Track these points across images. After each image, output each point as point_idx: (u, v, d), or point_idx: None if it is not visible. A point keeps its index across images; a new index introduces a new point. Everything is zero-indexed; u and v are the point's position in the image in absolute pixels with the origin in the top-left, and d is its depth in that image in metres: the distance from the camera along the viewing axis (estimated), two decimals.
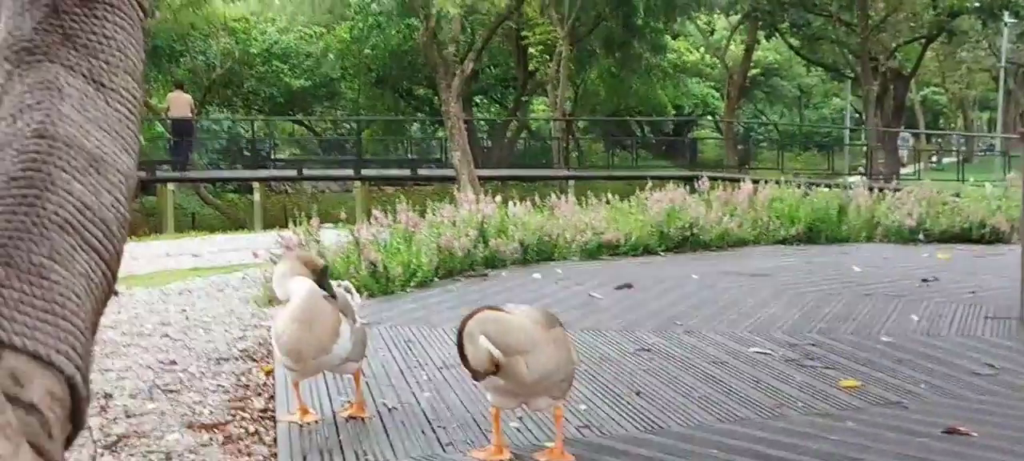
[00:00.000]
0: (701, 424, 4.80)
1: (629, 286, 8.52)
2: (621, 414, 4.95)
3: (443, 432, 4.69)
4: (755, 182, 12.45)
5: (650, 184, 11.89)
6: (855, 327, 6.99)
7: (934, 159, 44.05)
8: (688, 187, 12.38)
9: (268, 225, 26.49)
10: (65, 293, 1.14)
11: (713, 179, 13.19)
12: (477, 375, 4.04)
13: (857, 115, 53.72)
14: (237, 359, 6.60)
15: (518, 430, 4.69)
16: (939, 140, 53.64)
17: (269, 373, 6.11)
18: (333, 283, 5.23)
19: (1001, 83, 38.89)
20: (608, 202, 11.56)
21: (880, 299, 7.97)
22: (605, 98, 43.03)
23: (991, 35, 40.31)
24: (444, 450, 4.44)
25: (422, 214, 10.11)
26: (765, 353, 6.21)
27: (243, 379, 6.09)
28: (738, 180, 18.30)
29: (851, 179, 33.38)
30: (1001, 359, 6.05)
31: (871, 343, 6.49)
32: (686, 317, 7.34)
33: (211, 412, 5.36)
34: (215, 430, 5.08)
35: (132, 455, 4.69)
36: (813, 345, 6.43)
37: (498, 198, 10.67)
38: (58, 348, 1.09)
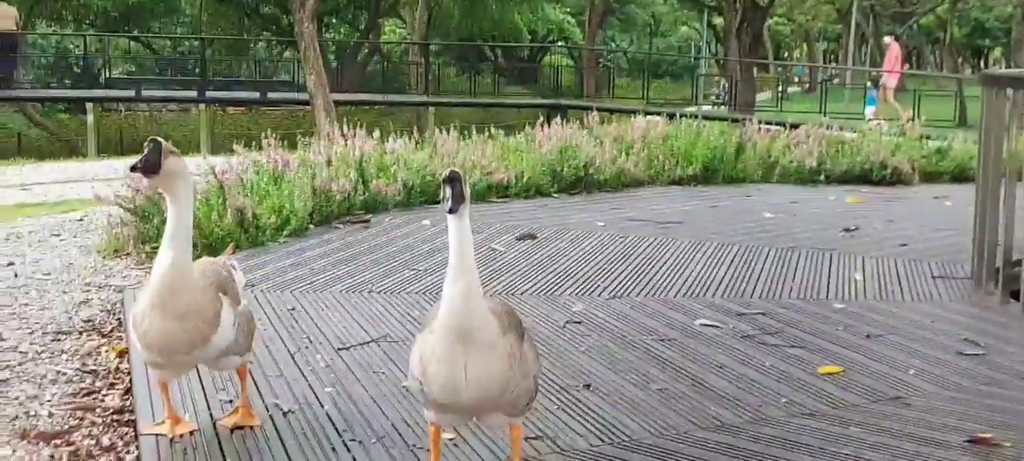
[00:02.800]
0: (674, 430, 3.93)
1: (533, 236, 7.60)
2: (575, 417, 4.06)
3: (360, 448, 3.69)
4: (647, 115, 11.65)
5: (542, 119, 10.91)
6: (798, 289, 6.23)
7: (780, 89, 44.42)
8: (562, 118, 11.50)
9: (103, 149, 24.57)
10: None
11: (573, 109, 12.31)
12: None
13: (706, 45, 53.87)
14: (81, 333, 5.41)
15: (455, 445, 3.74)
16: (780, 70, 54.23)
17: (122, 355, 4.97)
18: (215, 258, 4.18)
19: (854, 15, 39.16)
20: (464, 132, 10.45)
21: (810, 254, 7.24)
22: (459, 21, 41.78)
23: None
24: None
25: (287, 145, 8.93)
26: (714, 326, 5.38)
27: (89, 362, 4.93)
28: (613, 112, 17.61)
29: (705, 108, 33.21)
30: (976, 333, 5.37)
31: (825, 312, 5.73)
32: (607, 276, 6.46)
33: (51, 414, 4.21)
34: (57, 442, 3.95)
35: None
36: (762, 314, 5.63)
37: (359, 126, 9.53)
38: None
